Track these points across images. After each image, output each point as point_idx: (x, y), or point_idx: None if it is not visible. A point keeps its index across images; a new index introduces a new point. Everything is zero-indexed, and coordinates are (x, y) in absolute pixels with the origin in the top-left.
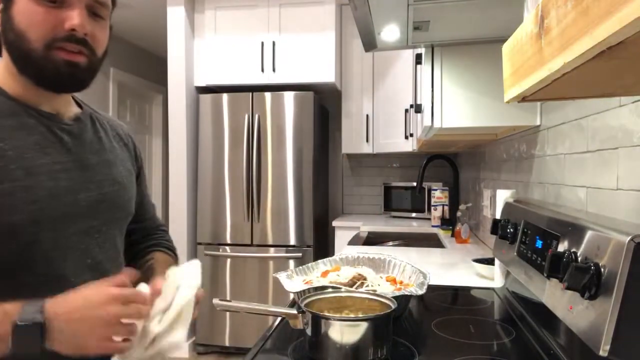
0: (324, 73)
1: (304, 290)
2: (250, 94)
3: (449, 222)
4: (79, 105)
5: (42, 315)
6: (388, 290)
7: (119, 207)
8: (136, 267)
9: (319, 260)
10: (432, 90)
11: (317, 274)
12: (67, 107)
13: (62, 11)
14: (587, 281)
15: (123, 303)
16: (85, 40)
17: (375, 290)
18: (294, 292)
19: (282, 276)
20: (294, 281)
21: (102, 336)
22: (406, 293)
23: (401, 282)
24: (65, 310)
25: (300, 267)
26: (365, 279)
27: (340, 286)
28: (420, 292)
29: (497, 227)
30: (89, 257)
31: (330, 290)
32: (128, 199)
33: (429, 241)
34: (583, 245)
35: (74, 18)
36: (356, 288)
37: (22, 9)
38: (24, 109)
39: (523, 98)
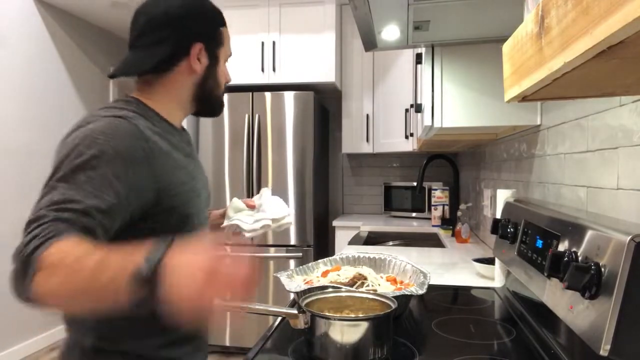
0: (324, 73)
1: (304, 290)
2: (251, 93)
3: (449, 222)
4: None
5: (156, 264)
6: (388, 289)
7: (209, 200)
8: None
9: (319, 260)
10: (433, 90)
11: (318, 273)
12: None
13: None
14: (588, 281)
15: (217, 273)
16: None
17: (375, 290)
18: (294, 292)
19: (282, 276)
20: (294, 281)
21: (197, 295)
22: (406, 293)
23: (401, 282)
24: (179, 266)
25: (301, 267)
26: (365, 278)
27: (341, 286)
28: (421, 291)
29: (497, 226)
30: (207, 236)
31: (330, 290)
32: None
33: (429, 241)
34: (583, 245)
35: (229, 75)
36: (356, 288)
37: (222, 68)
38: (173, 128)
39: (523, 98)
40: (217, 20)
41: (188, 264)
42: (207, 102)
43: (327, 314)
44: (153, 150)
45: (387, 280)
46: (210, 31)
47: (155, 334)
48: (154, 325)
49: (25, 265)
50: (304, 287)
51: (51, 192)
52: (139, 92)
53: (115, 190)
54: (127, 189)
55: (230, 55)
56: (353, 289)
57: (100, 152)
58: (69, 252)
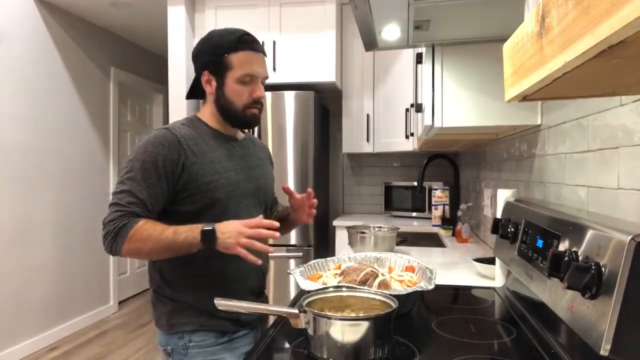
0: (324, 72)
1: (316, 290)
2: None
3: (449, 222)
4: (243, 132)
5: (214, 227)
6: (399, 287)
7: (267, 192)
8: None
9: (329, 258)
10: (433, 90)
11: (328, 272)
12: (238, 132)
13: (250, 86)
14: (588, 281)
15: (249, 227)
16: (261, 101)
17: (387, 286)
18: (311, 291)
19: (296, 274)
20: (308, 280)
21: (236, 242)
22: (417, 289)
23: (410, 280)
24: (222, 227)
25: (311, 264)
26: (377, 275)
27: (356, 285)
28: (430, 287)
29: (497, 226)
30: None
31: (331, 289)
32: (271, 187)
33: (430, 240)
34: (584, 245)
35: (259, 91)
36: (369, 285)
37: (230, 88)
38: (218, 134)
39: (524, 97)
40: (220, 50)
41: (229, 224)
42: (229, 116)
43: (327, 313)
44: (186, 150)
45: (407, 270)
46: (214, 60)
47: (198, 290)
48: (198, 284)
49: (116, 235)
50: (317, 286)
51: (123, 185)
52: (199, 110)
53: (160, 187)
54: (167, 183)
55: (248, 74)
56: (355, 286)
57: (149, 158)
58: (152, 229)
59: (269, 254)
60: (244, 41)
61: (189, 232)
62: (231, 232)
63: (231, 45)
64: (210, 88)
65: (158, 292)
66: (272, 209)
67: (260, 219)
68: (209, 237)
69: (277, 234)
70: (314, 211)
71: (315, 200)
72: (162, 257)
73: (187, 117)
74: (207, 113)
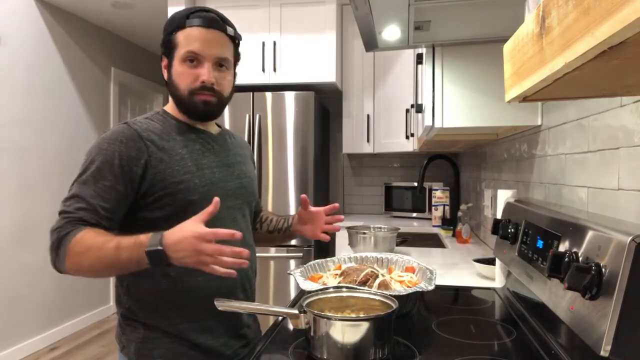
0: (324, 73)
1: (317, 291)
2: (251, 94)
3: (449, 222)
4: (219, 126)
5: (161, 244)
6: (399, 288)
7: (251, 193)
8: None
9: (329, 259)
10: (433, 90)
11: (329, 272)
12: (212, 126)
13: (198, 69)
14: (588, 281)
15: (206, 240)
16: (212, 87)
17: (387, 286)
18: (311, 291)
19: (297, 275)
20: (308, 280)
21: (197, 261)
22: (417, 289)
23: (410, 281)
24: (173, 243)
25: (312, 264)
26: (377, 276)
27: (352, 285)
28: (430, 287)
29: (498, 227)
30: (237, 226)
31: (331, 290)
32: (255, 187)
33: (430, 241)
34: (584, 246)
35: (204, 74)
36: (369, 285)
37: (175, 69)
38: (188, 128)
39: (524, 98)
40: (170, 28)
41: (180, 240)
42: (179, 105)
43: (328, 314)
44: (148, 146)
45: (407, 271)
46: (165, 41)
47: (172, 311)
48: (171, 304)
49: (58, 247)
50: (318, 286)
51: (72, 190)
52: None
53: (116, 189)
54: (125, 184)
55: (190, 51)
56: (355, 286)
57: (104, 157)
58: (91, 242)
59: (269, 254)
60: (196, 17)
61: (133, 250)
62: (186, 250)
63: (180, 21)
64: (166, 73)
65: (127, 316)
66: (256, 213)
67: (215, 230)
68: (157, 259)
69: (246, 251)
70: (338, 226)
71: (340, 216)
72: (109, 275)
73: (153, 110)
74: (171, 104)
